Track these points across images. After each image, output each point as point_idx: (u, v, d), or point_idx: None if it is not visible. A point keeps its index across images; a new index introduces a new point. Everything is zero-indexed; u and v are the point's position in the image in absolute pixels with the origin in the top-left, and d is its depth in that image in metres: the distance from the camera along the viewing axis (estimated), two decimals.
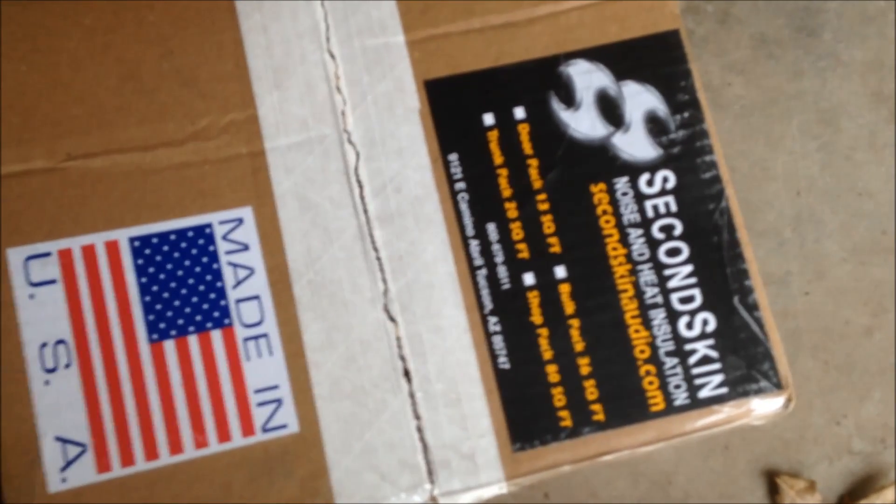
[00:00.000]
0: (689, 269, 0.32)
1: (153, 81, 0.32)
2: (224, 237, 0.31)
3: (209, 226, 0.31)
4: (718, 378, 0.31)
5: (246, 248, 0.31)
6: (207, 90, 0.32)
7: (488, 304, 0.31)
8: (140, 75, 0.32)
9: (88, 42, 0.32)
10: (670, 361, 0.31)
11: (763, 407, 0.31)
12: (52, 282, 0.30)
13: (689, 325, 0.32)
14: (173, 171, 0.31)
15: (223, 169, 0.31)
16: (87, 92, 0.31)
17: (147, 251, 0.30)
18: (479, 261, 0.32)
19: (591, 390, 0.31)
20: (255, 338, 0.30)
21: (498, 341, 0.31)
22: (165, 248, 0.31)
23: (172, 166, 0.31)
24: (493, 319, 0.31)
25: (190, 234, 0.31)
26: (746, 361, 0.32)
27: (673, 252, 0.32)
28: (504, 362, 0.31)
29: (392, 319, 0.31)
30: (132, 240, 0.30)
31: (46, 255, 0.30)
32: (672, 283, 0.32)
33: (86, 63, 0.32)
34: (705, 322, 0.32)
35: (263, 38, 0.33)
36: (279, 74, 0.32)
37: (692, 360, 0.31)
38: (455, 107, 0.33)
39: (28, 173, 0.31)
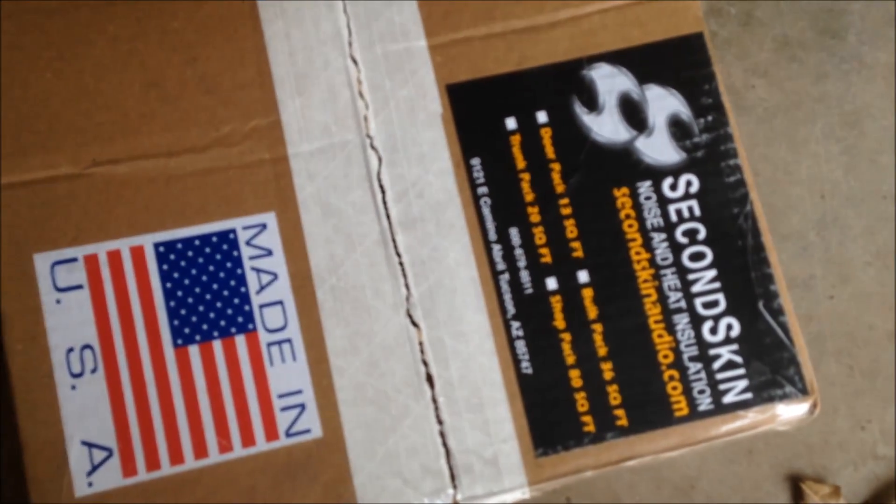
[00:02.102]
0: (712, 273, 0.32)
1: (177, 88, 0.32)
2: (248, 242, 0.31)
3: (233, 231, 0.31)
4: (743, 383, 0.31)
5: (269, 253, 0.31)
6: (231, 97, 0.32)
7: (511, 309, 0.31)
8: (164, 82, 0.32)
9: (113, 50, 0.32)
10: (694, 366, 0.31)
11: (788, 412, 0.31)
12: (78, 287, 0.30)
13: (713, 330, 0.31)
14: (197, 177, 0.31)
15: (246, 175, 0.32)
16: (112, 99, 0.32)
17: (172, 256, 0.31)
18: (501, 265, 0.32)
19: (614, 395, 0.31)
20: (279, 343, 0.30)
21: (520, 346, 0.31)
22: (190, 253, 0.31)
23: (196, 172, 0.31)
24: (515, 324, 0.31)
25: (214, 239, 0.31)
26: (771, 366, 0.31)
27: (697, 256, 0.32)
28: (527, 367, 0.31)
29: (415, 324, 0.31)
30: (157, 245, 0.31)
31: (73, 260, 0.30)
32: (696, 288, 0.32)
33: (110, 70, 0.32)
34: (729, 327, 0.31)
35: (286, 44, 0.33)
36: (302, 81, 0.32)
37: (716, 365, 0.31)
38: (477, 111, 0.33)
39: (54, 179, 0.31)
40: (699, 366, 0.31)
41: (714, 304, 0.32)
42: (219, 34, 0.32)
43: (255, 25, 0.33)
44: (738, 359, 0.31)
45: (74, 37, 0.32)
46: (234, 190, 0.31)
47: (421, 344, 0.31)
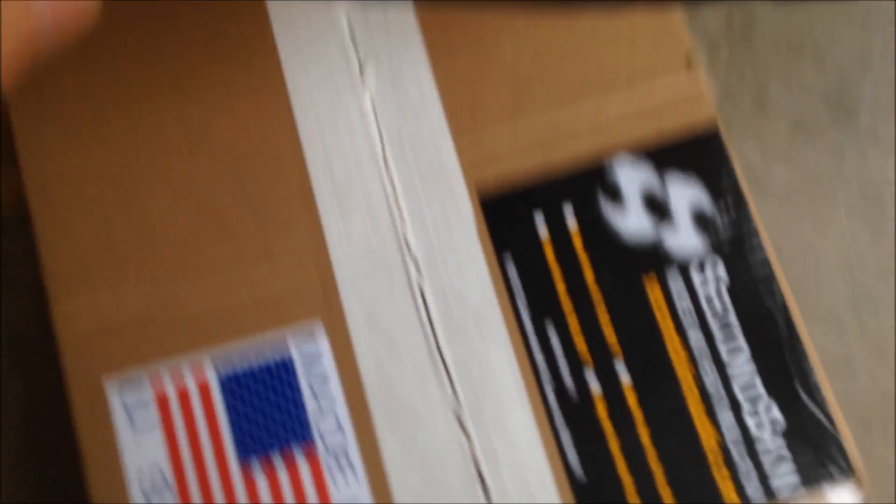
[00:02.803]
0: (748, 358, 0.33)
1: (227, 211, 0.34)
2: (301, 358, 0.32)
3: (284, 341, 0.33)
4: (789, 467, 0.32)
5: (321, 367, 0.32)
6: (276, 213, 0.34)
7: (557, 416, 0.32)
8: (215, 206, 0.34)
9: (167, 180, 0.34)
10: (739, 454, 0.32)
11: (836, 494, 0.31)
12: (147, 408, 0.32)
13: (755, 415, 0.32)
14: (249, 291, 0.33)
15: (294, 288, 0.33)
16: (170, 226, 0.34)
17: (231, 372, 0.32)
18: (542, 366, 0.33)
19: (666, 496, 0.32)
20: (336, 455, 0.32)
21: (571, 454, 0.32)
22: (248, 367, 0.32)
23: (248, 287, 0.33)
24: (563, 432, 0.32)
25: (267, 349, 0.32)
26: (814, 449, 0.32)
27: (731, 343, 0.33)
28: (580, 476, 0.32)
29: (465, 432, 0.32)
30: (216, 360, 0.32)
31: (140, 383, 0.32)
32: (733, 374, 0.33)
33: (167, 200, 0.34)
34: (770, 411, 0.32)
35: (325, 162, 0.35)
36: (341, 196, 0.34)
37: (761, 450, 0.32)
38: (508, 215, 0.34)
39: (117, 304, 0.33)
40: (744, 453, 0.32)
41: (752, 388, 0.32)
42: (263, 157, 0.35)
43: (296, 147, 0.35)
44: (782, 442, 0.32)
45: (133, 172, 0.34)
46: (283, 304, 0.33)
47: (473, 452, 0.32)
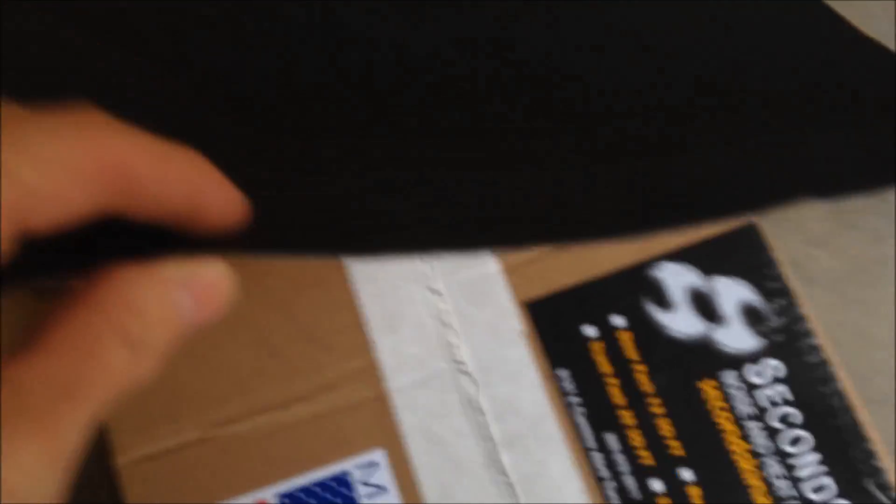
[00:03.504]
0: (815, 456, 0.32)
1: (281, 342, 0.35)
2: (362, 482, 0.33)
3: (348, 473, 0.33)
4: None
5: (384, 490, 0.33)
6: (330, 343, 0.35)
7: None
8: (270, 338, 0.35)
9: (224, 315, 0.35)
10: None
11: None
12: None
13: None
14: (308, 424, 0.34)
15: (353, 415, 0.34)
16: (226, 361, 0.35)
17: None
18: (604, 472, 0.33)
19: None
20: None
21: None
22: (312, 501, 0.33)
23: (307, 419, 0.34)
24: None
25: (331, 483, 0.33)
26: None
27: (796, 441, 0.33)
28: None
29: None
30: (281, 496, 0.33)
31: None
32: (801, 473, 0.32)
33: (222, 335, 0.35)
34: None
35: (373, 287, 0.36)
36: (392, 318, 0.35)
37: None
38: (557, 323, 0.35)
39: (183, 446, 0.33)
40: None
41: (822, 488, 0.32)
42: (313, 287, 0.36)
43: (344, 273, 0.36)
44: None
45: None
46: (343, 432, 0.33)
47: None
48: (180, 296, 0.20)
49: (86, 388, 0.17)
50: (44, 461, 0.16)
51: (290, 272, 0.36)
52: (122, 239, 0.20)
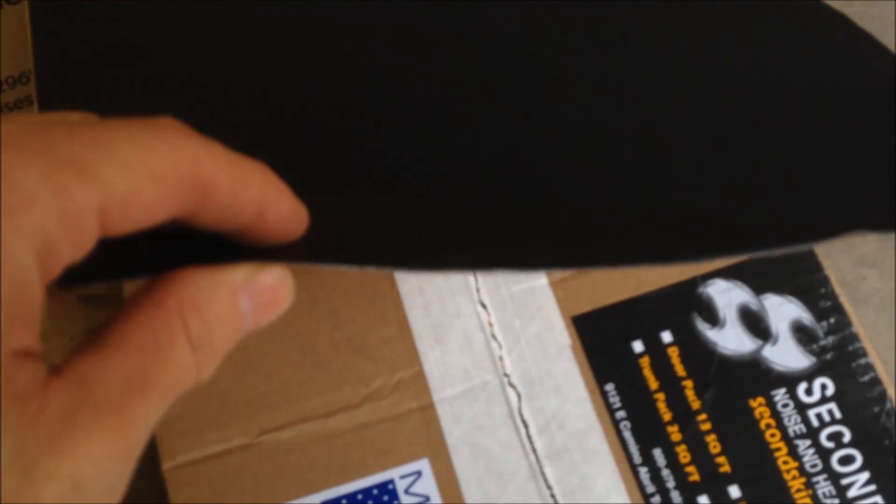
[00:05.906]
0: (866, 476, 0.32)
1: (328, 352, 0.35)
2: (406, 491, 0.33)
3: (391, 482, 0.33)
4: None
5: (427, 499, 0.33)
6: (376, 353, 0.35)
7: None
8: (316, 348, 0.35)
9: (271, 324, 0.36)
10: None
11: None
12: None
13: None
14: (353, 433, 0.34)
15: (398, 425, 0.34)
16: (273, 369, 0.35)
17: None
18: (650, 488, 0.32)
19: None
20: None
21: None
22: None
23: (352, 428, 0.34)
24: None
25: (375, 491, 0.33)
26: None
27: (846, 460, 0.32)
28: None
29: None
30: None
31: None
32: (851, 493, 0.32)
33: (269, 343, 0.35)
34: None
35: (421, 299, 0.36)
36: (438, 330, 0.35)
37: None
38: (604, 338, 0.35)
39: (228, 452, 0.34)
40: None
41: (869, 499, 0.31)
42: (360, 297, 0.36)
43: (392, 285, 0.36)
44: None
45: None
46: (387, 441, 0.34)
47: None
48: (242, 299, 0.20)
49: (155, 385, 0.18)
50: (114, 454, 0.17)
51: (338, 282, 0.36)
52: (189, 244, 0.20)
